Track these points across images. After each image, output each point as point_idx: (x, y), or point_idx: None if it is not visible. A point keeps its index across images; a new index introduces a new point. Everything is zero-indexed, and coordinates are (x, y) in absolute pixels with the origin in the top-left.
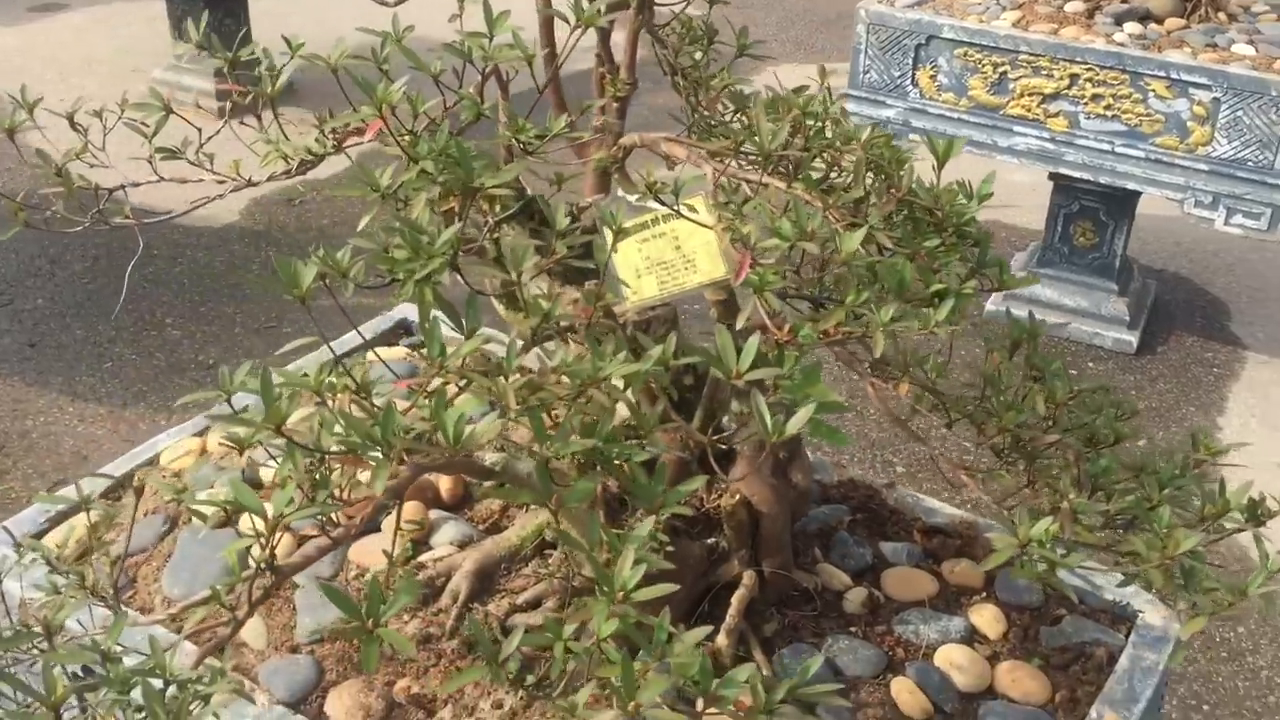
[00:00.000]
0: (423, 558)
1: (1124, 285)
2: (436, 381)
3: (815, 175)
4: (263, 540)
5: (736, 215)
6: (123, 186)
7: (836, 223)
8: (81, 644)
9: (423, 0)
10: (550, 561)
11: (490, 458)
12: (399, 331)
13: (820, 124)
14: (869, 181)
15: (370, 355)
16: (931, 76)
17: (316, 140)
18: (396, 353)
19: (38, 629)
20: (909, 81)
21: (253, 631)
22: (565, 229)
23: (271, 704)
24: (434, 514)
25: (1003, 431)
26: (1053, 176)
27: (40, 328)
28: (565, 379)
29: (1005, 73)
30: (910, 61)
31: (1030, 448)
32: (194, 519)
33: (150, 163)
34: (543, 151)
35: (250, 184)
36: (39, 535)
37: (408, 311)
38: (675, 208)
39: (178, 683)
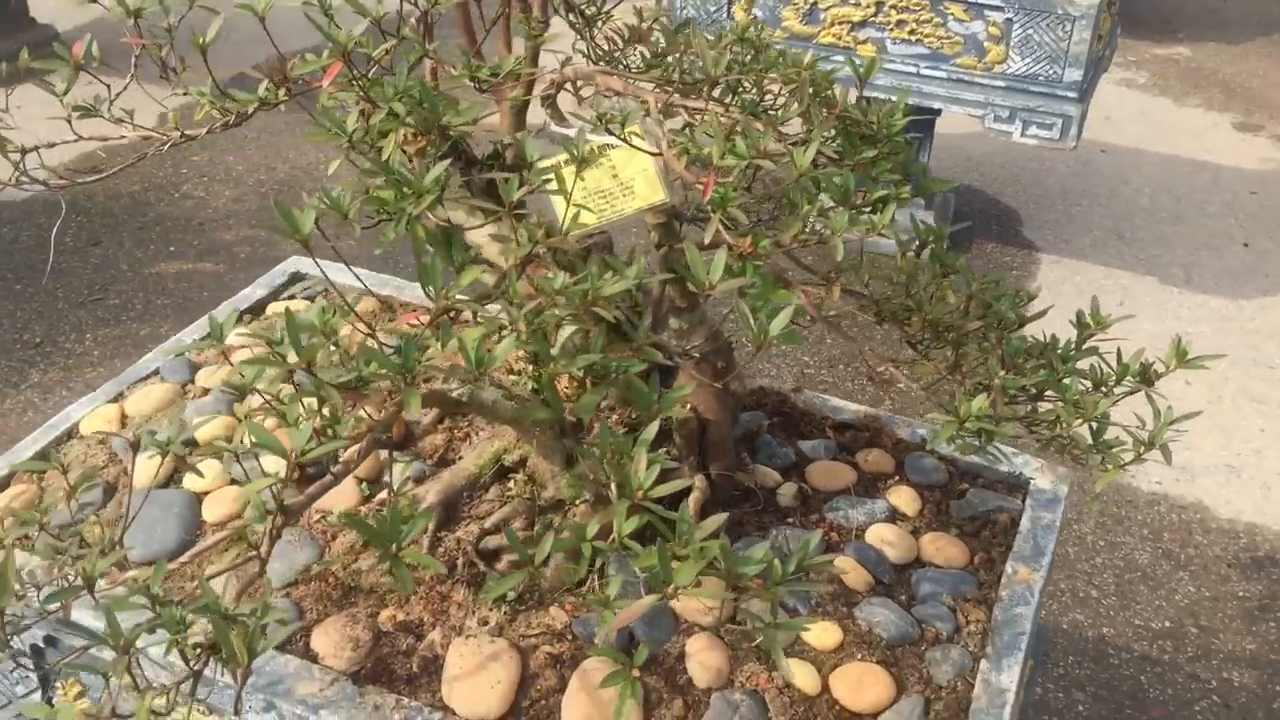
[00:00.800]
0: (383, 495)
1: (929, 199)
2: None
3: (746, 99)
4: (280, 479)
5: (688, 140)
6: (36, 148)
7: (778, 141)
8: (120, 593)
9: None
10: (512, 485)
11: (457, 390)
12: (293, 284)
13: (753, 50)
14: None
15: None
16: (746, 10)
17: (266, 89)
18: (297, 304)
19: (79, 582)
20: (725, 15)
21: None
22: (533, 162)
23: None
24: (383, 454)
25: (927, 324)
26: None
27: None
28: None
29: (815, 3)
30: None
31: (954, 336)
32: (134, 483)
33: (68, 122)
34: (493, 87)
35: (186, 138)
36: None
37: (297, 265)
38: (623, 136)
39: (231, 618)
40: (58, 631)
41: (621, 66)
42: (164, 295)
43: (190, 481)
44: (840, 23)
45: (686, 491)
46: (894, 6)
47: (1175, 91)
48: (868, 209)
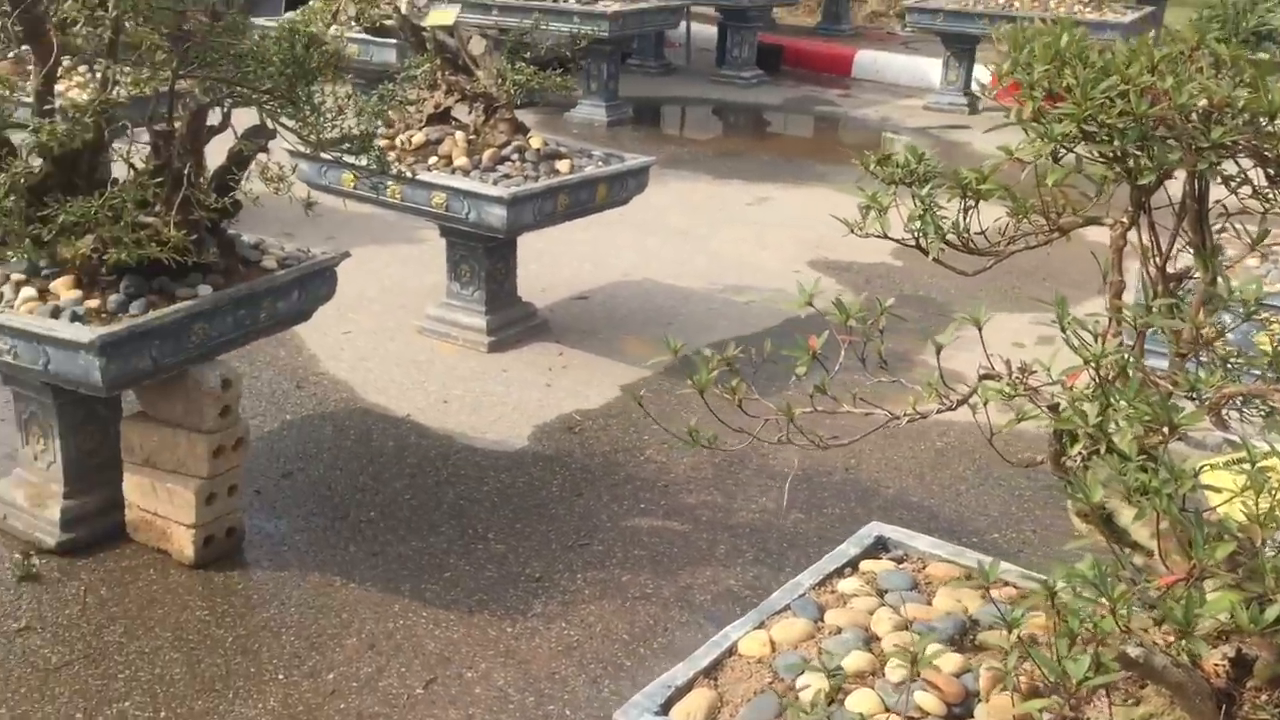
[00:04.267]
0: None
1: None
2: None
3: None
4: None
5: None
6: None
7: None
8: None
9: None
10: None
11: (1133, 651)
12: (878, 548)
13: None
14: None
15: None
16: None
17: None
18: (884, 565)
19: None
20: None
21: None
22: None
23: None
24: None
25: None
26: None
27: (380, 539)
28: None
29: None
30: None
31: None
32: (797, 701)
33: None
34: None
35: (921, 415)
36: (667, 706)
37: (879, 529)
38: None
39: None
40: None
41: None
42: (639, 547)
43: (853, 704)
44: None
45: None
46: None
47: None
48: None
